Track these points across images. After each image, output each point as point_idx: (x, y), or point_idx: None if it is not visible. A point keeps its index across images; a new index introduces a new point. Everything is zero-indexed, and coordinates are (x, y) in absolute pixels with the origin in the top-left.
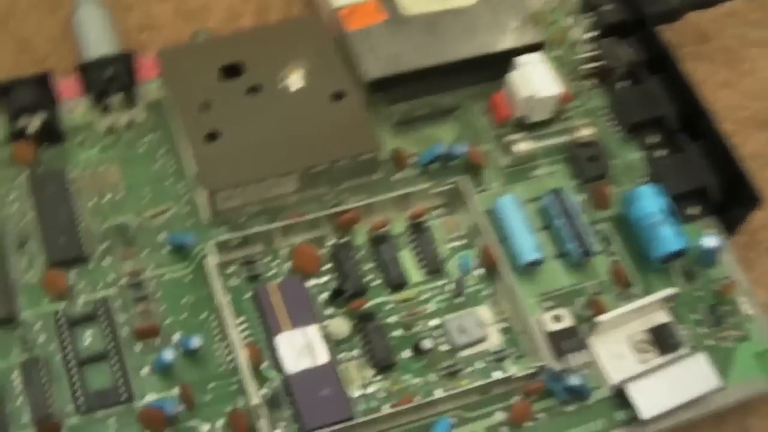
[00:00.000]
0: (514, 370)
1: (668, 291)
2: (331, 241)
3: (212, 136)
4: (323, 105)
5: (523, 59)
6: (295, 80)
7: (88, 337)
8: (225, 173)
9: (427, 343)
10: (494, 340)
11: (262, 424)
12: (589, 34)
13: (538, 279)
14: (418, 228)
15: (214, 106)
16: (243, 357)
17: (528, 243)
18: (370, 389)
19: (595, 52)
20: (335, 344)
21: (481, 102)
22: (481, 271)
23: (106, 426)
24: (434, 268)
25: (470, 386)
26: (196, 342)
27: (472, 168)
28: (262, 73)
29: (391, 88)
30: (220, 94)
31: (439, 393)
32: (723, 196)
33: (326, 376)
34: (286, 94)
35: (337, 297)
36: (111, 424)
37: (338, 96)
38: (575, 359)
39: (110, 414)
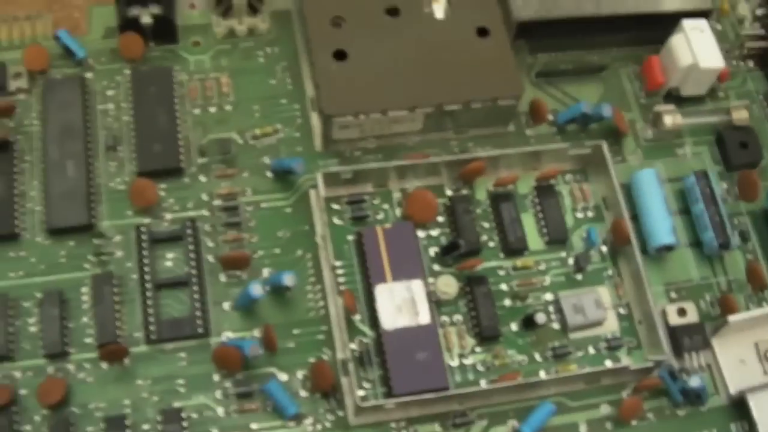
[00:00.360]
0: (626, 361)
1: None
2: (449, 192)
3: (340, 55)
4: (467, 39)
5: (690, 23)
6: (439, 7)
7: (169, 260)
8: (347, 98)
9: (541, 317)
10: (609, 325)
11: (346, 381)
12: (759, 11)
13: (667, 266)
14: (545, 191)
15: (348, 22)
16: (337, 303)
17: (664, 225)
18: (469, 360)
19: (762, 32)
20: (436, 305)
21: (630, 66)
22: (605, 248)
23: (174, 359)
24: (557, 238)
25: (580, 372)
26: (289, 279)
27: (613, 134)
28: None
29: (538, 34)
30: (356, 9)
31: (542, 375)
32: None
33: (426, 338)
34: (428, 20)
35: (450, 252)
36: (181, 357)
37: (483, 32)
38: (694, 359)
39: (182, 347)
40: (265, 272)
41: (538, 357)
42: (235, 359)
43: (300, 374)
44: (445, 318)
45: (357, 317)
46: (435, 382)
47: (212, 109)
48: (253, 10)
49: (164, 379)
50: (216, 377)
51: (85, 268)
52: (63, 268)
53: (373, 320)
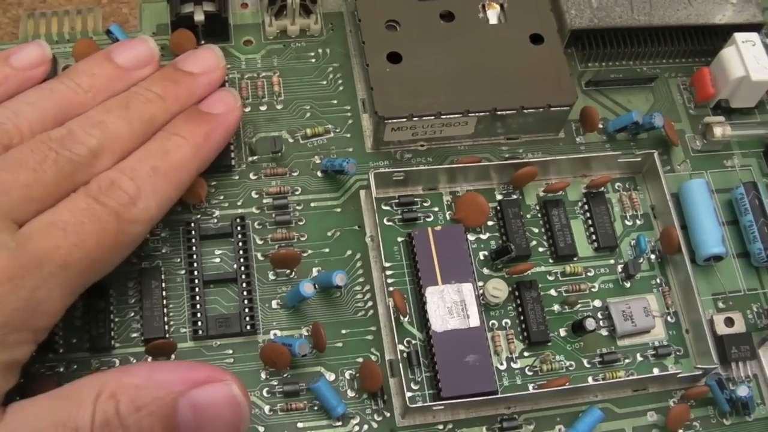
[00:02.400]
0: (673, 369)
1: None
2: (499, 196)
3: (394, 58)
4: (521, 46)
5: (742, 36)
6: (494, 14)
7: (217, 256)
8: (400, 100)
9: (591, 323)
10: (657, 333)
11: (395, 382)
12: None
13: (714, 276)
14: (595, 198)
15: (403, 26)
16: (388, 304)
17: (713, 235)
18: (517, 364)
19: None
20: (485, 308)
21: (680, 77)
22: (654, 256)
23: (221, 356)
24: (606, 245)
25: (630, 378)
26: (340, 279)
27: (662, 144)
28: (460, 0)
29: (590, 43)
30: (411, 14)
31: (590, 381)
32: None
33: (476, 341)
34: (482, 26)
35: (501, 256)
36: (227, 354)
37: (537, 39)
38: (740, 369)
39: (228, 344)
40: (314, 271)
41: (586, 363)
42: (284, 357)
43: (347, 374)
44: (493, 321)
45: (405, 318)
46: (484, 385)
47: (263, 108)
48: (305, 11)
49: None
50: (263, 375)
51: (131, 261)
52: None
53: (422, 322)
